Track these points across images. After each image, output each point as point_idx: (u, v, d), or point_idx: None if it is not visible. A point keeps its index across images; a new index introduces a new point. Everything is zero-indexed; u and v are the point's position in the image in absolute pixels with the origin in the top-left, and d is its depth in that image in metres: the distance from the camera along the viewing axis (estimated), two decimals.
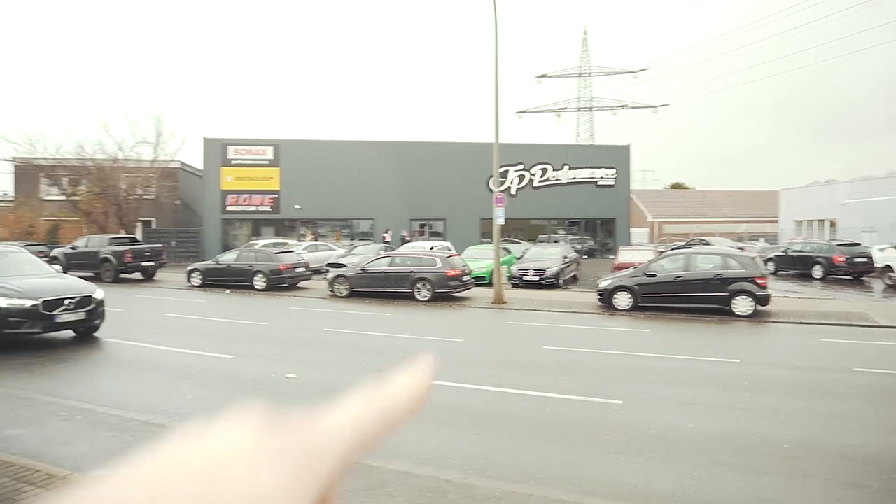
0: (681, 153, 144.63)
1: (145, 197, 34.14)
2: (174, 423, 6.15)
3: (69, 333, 11.10)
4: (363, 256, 22.94)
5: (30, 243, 25.60)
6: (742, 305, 14.70)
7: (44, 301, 10.06)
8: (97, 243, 23.58)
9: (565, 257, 23.21)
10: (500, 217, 18.22)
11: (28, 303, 9.93)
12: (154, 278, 24.10)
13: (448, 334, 12.71)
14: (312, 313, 15.93)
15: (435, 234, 36.98)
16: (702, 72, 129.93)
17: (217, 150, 35.73)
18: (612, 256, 30.72)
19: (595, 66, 67.91)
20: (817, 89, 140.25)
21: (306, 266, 22.37)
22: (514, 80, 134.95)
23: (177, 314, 14.98)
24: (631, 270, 16.90)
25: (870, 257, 23.16)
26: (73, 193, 32.86)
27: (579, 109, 68.70)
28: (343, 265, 21.63)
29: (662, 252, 20.13)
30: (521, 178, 39.09)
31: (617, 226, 40.23)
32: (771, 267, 25.33)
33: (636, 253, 23.16)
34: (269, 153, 36.36)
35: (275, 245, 26.36)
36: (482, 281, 21.22)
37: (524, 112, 68.86)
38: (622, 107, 67.14)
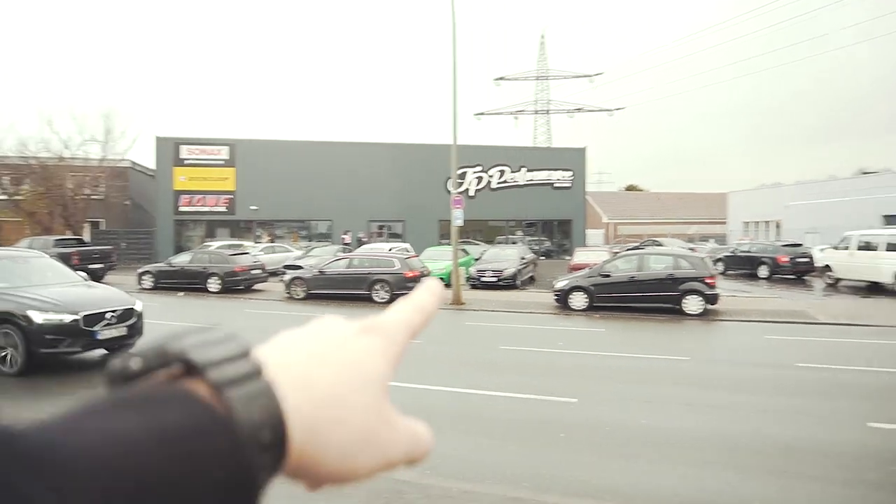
0: (636, 156, 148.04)
1: (93, 197, 33.02)
2: None
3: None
4: (321, 258, 22.74)
5: None
6: (692, 304, 15.15)
7: (86, 315, 8.68)
8: (41, 245, 22.63)
9: (523, 258, 23.49)
10: (458, 218, 18.32)
11: (67, 317, 8.53)
12: (103, 281, 23.34)
13: None
14: (268, 315, 15.70)
15: (393, 236, 36.89)
16: (656, 77, 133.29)
17: (170, 149, 34.87)
18: (568, 257, 31.23)
19: (552, 70, 69.01)
20: (768, 95, 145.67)
21: (262, 268, 22.04)
22: (472, 82, 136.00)
23: None
24: (586, 271, 17.22)
25: (811, 257, 24.16)
26: (16, 193, 31.51)
27: (536, 112, 69.65)
28: (300, 267, 21.40)
29: (617, 253, 20.55)
30: (480, 179, 39.35)
31: (573, 227, 40.89)
32: (720, 267, 26.15)
33: (591, 254, 23.61)
34: (224, 153, 35.67)
35: (230, 246, 25.87)
36: (440, 282, 21.24)
37: (482, 114, 69.34)
38: (578, 110, 68.31)
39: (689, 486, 4.98)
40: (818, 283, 22.53)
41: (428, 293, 0.53)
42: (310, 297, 18.66)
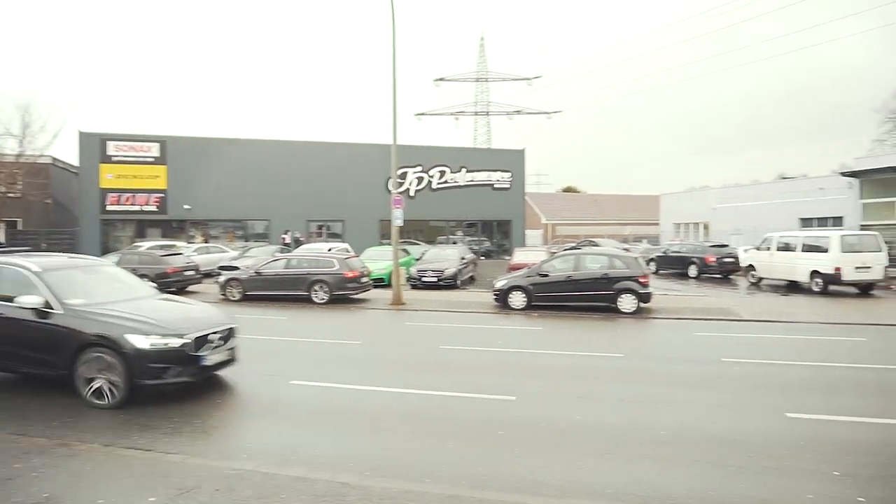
0: (573, 158, 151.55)
1: (10, 195, 31.17)
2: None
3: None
4: (258, 258, 22.26)
5: None
6: (626, 303, 15.65)
7: (196, 338, 7.41)
8: None
9: (463, 258, 23.68)
10: (398, 218, 18.28)
11: (176, 341, 7.17)
12: None
13: (346, 336, 12.59)
14: None
15: (333, 236, 36.48)
16: (592, 82, 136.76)
17: (95, 145, 33.31)
18: (507, 257, 31.66)
19: (492, 72, 69.92)
20: (697, 103, 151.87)
21: (196, 269, 21.38)
22: (412, 82, 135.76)
23: None
24: (525, 271, 17.52)
25: (736, 258, 25.40)
26: None
27: (476, 113, 70.34)
28: (236, 268, 20.89)
29: (555, 253, 21.00)
30: (420, 179, 39.41)
31: (512, 227, 41.52)
32: (653, 267, 27.14)
33: (530, 254, 24.04)
34: (154, 150, 34.38)
35: (161, 247, 24.96)
36: (381, 282, 21.20)
37: (423, 114, 69.52)
38: (517, 112, 69.41)
39: (622, 479, 5.14)
40: (743, 282, 23.68)
41: None
42: (246, 299, 18.22)
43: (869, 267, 18.89)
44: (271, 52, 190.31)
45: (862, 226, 24.95)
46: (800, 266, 20.19)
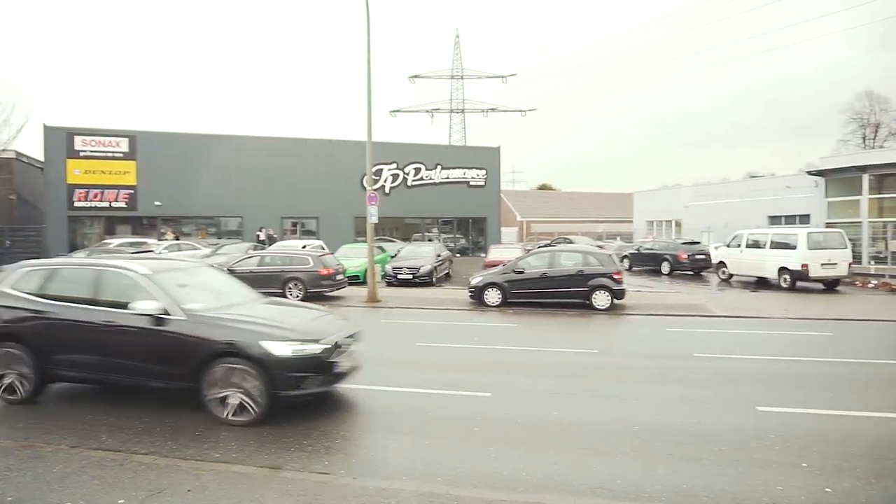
0: (548, 156, 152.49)
1: None
2: None
3: None
4: (230, 256, 21.95)
5: None
6: (600, 299, 15.80)
7: (336, 343, 6.88)
8: None
9: (438, 255, 23.66)
10: (373, 215, 18.19)
11: (315, 347, 6.60)
12: None
13: None
14: None
15: (307, 233, 36.15)
16: (567, 80, 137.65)
17: (61, 140, 32.47)
18: (483, 254, 31.74)
19: (467, 69, 70.03)
20: (670, 102, 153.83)
21: None
22: (388, 79, 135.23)
23: None
24: (500, 268, 17.57)
25: (707, 255, 25.79)
26: None
27: (452, 111, 70.35)
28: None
29: (530, 250, 21.09)
30: (396, 176, 39.28)
31: (488, 225, 41.63)
32: (626, 264, 27.46)
33: (505, 251, 24.12)
34: (123, 145, 33.65)
35: (131, 245, 24.50)
36: (356, 280, 21.08)
37: (398, 111, 69.46)
38: (493, 110, 69.62)
39: (598, 475, 5.18)
40: (714, 279, 24.06)
41: None
42: None
43: (835, 263, 19.36)
44: (245, 48, 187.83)
45: (827, 223, 25.53)
46: (768, 263, 20.60)
